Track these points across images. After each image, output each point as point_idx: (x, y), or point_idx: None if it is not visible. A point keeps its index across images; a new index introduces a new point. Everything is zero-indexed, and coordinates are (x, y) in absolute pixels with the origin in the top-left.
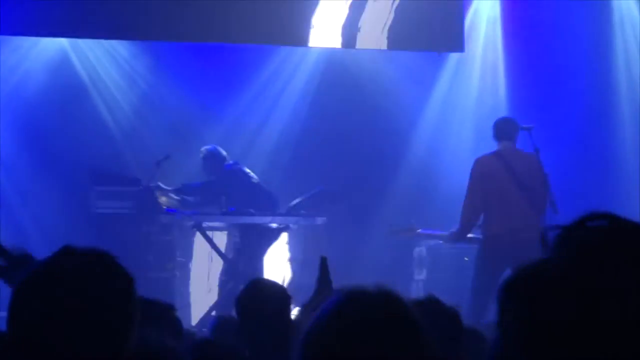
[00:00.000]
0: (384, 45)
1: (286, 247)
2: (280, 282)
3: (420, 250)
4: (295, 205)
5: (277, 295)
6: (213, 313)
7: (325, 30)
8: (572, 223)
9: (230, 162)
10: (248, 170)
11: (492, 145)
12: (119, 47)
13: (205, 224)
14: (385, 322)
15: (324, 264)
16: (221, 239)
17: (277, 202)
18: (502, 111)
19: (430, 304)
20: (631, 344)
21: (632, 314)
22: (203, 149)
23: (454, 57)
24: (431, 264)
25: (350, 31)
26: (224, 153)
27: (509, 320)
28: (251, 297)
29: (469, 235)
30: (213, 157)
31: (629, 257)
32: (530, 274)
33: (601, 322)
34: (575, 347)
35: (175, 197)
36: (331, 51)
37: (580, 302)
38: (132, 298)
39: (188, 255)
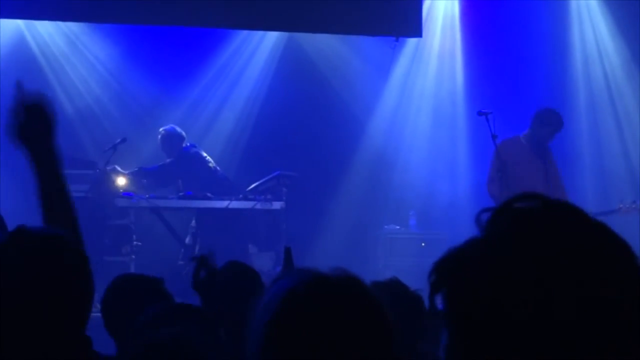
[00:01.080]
0: (341, 29)
1: (244, 231)
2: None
3: (377, 235)
4: (252, 189)
5: (250, 278)
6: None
7: (282, 14)
8: (500, 205)
9: (188, 144)
10: (205, 154)
11: (446, 130)
12: (76, 29)
13: (162, 208)
14: (346, 304)
15: (288, 255)
16: (178, 222)
17: (233, 186)
18: (460, 97)
19: (393, 286)
20: (544, 323)
21: (544, 293)
22: (161, 129)
23: (411, 42)
24: (389, 249)
25: (306, 14)
26: (183, 133)
27: (442, 301)
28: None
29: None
30: (171, 138)
31: (545, 237)
32: (455, 255)
33: (516, 303)
34: (493, 330)
35: (132, 180)
36: (289, 35)
37: (495, 283)
38: (86, 275)
39: (145, 239)
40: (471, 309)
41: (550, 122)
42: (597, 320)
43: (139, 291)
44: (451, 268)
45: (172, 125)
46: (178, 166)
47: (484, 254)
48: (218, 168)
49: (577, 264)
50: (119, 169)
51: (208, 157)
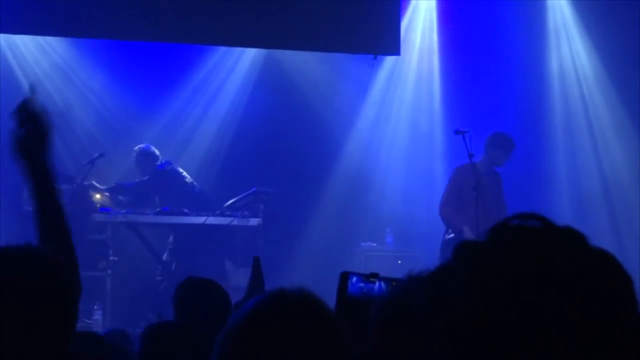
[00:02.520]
0: (320, 47)
1: (220, 247)
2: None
3: (354, 252)
4: (229, 205)
5: (220, 296)
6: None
7: (259, 31)
8: (499, 222)
9: (164, 161)
10: (181, 170)
11: (424, 148)
12: (55, 44)
13: (139, 223)
14: (303, 326)
15: (256, 264)
16: (155, 238)
17: (210, 202)
18: (437, 115)
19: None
20: (538, 343)
21: (539, 311)
22: (136, 147)
23: (390, 60)
24: (365, 266)
25: (285, 32)
26: (157, 152)
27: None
28: (195, 296)
29: None
30: (146, 156)
31: (545, 256)
32: (455, 270)
33: (512, 319)
34: (483, 345)
35: (109, 196)
36: (267, 52)
37: (491, 298)
38: (61, 291)
39: (121, 254)
40: (458, 331)
41: (503, 144)
42: (593, 346)
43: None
44: (446, 282)
45: (147, 144)
46: (154, 183)
47: (479, 271)
48: (195, 184)
49: (574, 286)
50: (96, 184)
51: (184, 173)
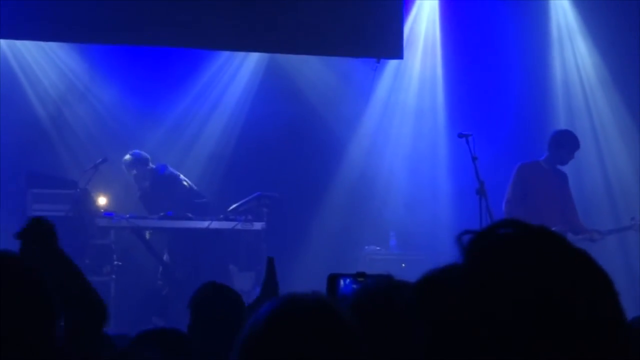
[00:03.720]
0: (323, 51)
1: (224, 251)
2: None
3: (358, 256)
4: (233, 209)
5: (235, 301)
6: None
7: (262, 35)
8: (483, 229)
9: (160, 165)
10: (178, 173)
11: (427, 151)
12: (58, 50)
13: (142, 228)
14: (319, 331)
15: (270, 265)
16: (159, 242)
17: (209, 205)
18: (440, 119)
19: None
20: (517, 350)
21: (520, 320)
22: (127, 157)
23: (393, 64)
24: (369, 270)
25: (288, 36)
26: (148, 156)
27: (419, 323)
28: (210, 300)
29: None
30: (141, 163)
31: (528, 264)
32: (434, 278)
33: (499, 328)
34: (472, 351)
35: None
36: (271, 56)
37: (473, 308)
38: (42, 296)
39: (125, 259)
40: (447, 331)
41: (568, 143)
42: (574, 351)
43: None
44: (430, 291)
45: (134, 151)
46: (155, 189)
47: (462, 278)
48: (193, 186)
49: (555, 293)
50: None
51: (182, 176)
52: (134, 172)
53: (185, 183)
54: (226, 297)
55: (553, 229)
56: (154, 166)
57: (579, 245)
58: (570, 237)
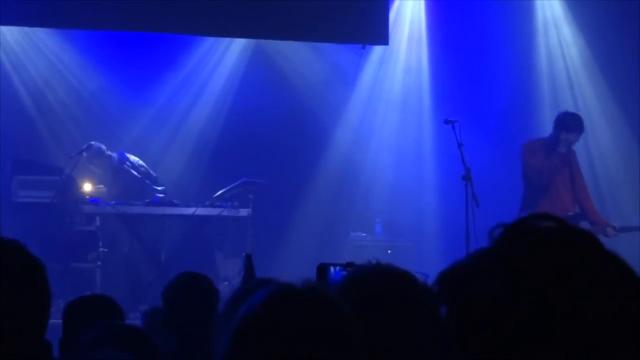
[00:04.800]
0: (308, 37)
1: (210, 238)
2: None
3: (344, 242)
4: (219, 196)
5: (205, 288)
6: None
7: (248, 21)
8: (514, 221)
9: (119, 152)
10: (137, 159)
11: (413, 137)
12: (43, 36)
13: (128, 214)
14: (314, 317)
15: (248, 261)
16: (144, 229)
17: (165, 194)
18: (426, 105)
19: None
20: (545, 342)
21: (549, 313)
22: (86, 148)
23: (378, 49)
24: (355, 256)
25: (273, 22)
26: (102, 146)
27: (446, 311)
28: (179, 289)
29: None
30: (96, 155)
31: (558, 259)
32: (464, 268)
33: (521, 319)
34: (496, 345)
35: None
36: (256, 43)
37: (502, 299)
38: (38, 285)
39: (111, 245)
40: (475, 321)
41: (572, 126)
42: (599, 347)
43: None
44: (459, 280)
45: (89, 143)
46: (114, 177)
47: (493, 269)
48: (153, 173)
49: (584, 289)
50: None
51: (140, 161)
52: (93, 164)
53: (142, 169)
54: (199, 287)
55: (568, 214)
56: (112, 154)
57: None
58: (585, 226)
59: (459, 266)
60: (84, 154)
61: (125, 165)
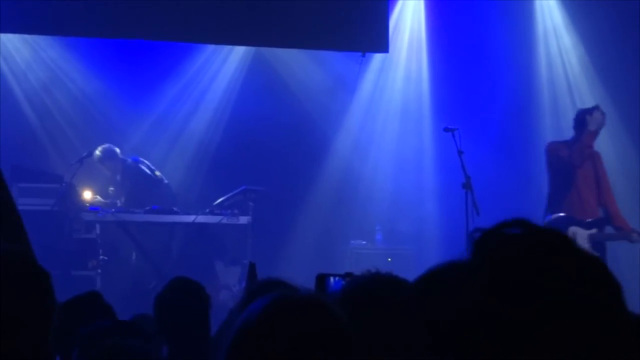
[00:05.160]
0: (308, 44)
1: (210, 245)
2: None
3: (344, 250)
4: (219, 204)
5: (196, 294)
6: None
7: (248, 29)
8: (490, 228)
9: (132, 157)
10: (148, 165)
11: (413, 145)
12: (44, 44)
13: (128, 222)
14: (312, 327)
15: (252, 270)
16: (144, 236)
17: (176, 197)
18: (426, 113)
19: None
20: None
21: (520, 322)
22: (97, 152)
23: (378, 57)
24: (355, 264)
25: (273, 29)
26: (117, 149)
27: (420, 318)
28: (170, 295)
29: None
30: (110, 157)
31: (534, 266)
32: (437, 274)
33: (505, 325)
34: (466, 352)
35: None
36: (256, 50)
37: (471, 306)
38: (47, 294)
39: (111, 253)
40: (447, 327)
41: (592, 109)
42: (583, 349)
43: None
44: (431, 289)
45: (107, 144)
46: (126, 182)
47: (463, 276)
48: (164, 179)
49: (556, 293)
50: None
51: (151, 166)
52: (105, 165)
53: (157, 173)
54: (190, 293)
55: (588, 218)
56: (126, 159)
57: (617, 246)
58: (609, 230)
59: (434, 273)
60: (96, 154)
61: (140, 168)
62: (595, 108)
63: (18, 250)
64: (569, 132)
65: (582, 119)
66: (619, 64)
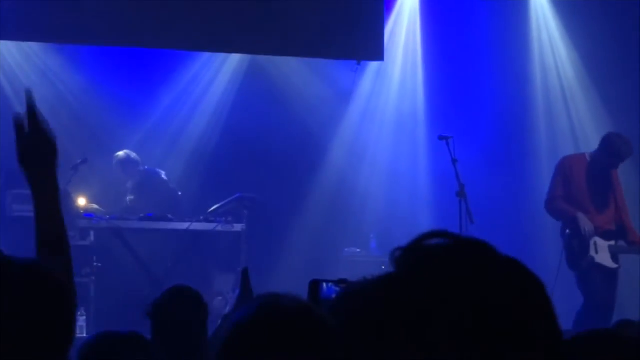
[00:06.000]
0: (304, 52)
1: (204, 253)
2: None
3: (338, 258)
4: (213, 211)
5: (193, 302)
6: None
7: (243, 37)
8: (409, 243)
9: (146, 167)
10: (164, 175)
11: (408, 153)
12: (38, 51)
13: (123, 229)
14: (299, 335)
15: (245, 276)
16: (139, 244)
17: (187, 208)
18: (421, 121)
19: None
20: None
21: (453, 329)
22: (117, 155)
23: (373, 65)
24: (350, 272)
25: (269, 37)
26: (138, 158)
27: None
28: (167, 302)
29: None
30: (129, 163)
31: (457, 275)
32: (360, 292)
33: (426, 342)
34: None
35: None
36: (252, 58)
37: (399, 320)
38: (64, 308)
39: (105, 260)
40: (373, 345)
41: (619, 153)
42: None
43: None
44: (354, 305)
45: (126, 150)
46: (140, 187)
47: (388, 292)
48: (177, 191)
49: (484, 303)
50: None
51: (165, 178)
52: (125, 171)
53: (170, 185)
54: (187, 301)
55: (605, 229)
56: (144, 168)
57: (631, 261)
58: (621, 245)
59: (356, 290)
60: (119, 156)
61: (159, 178)
62: (626, 155)
63: (34, 263)
64: (563, 140)
65: (617, 149)
66: (614, 72)
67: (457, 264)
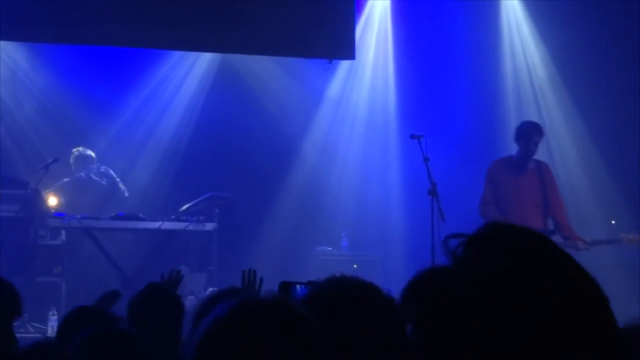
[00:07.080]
0: (275, 51)
1: (176, 252)
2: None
3: (309, 256)
4: (185, 210)
5: (170, 300)
6: None
7: (215, 36)
8: (474, 232)
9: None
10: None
11: (379, 152)
12: (8, 48)
13: (94, 228)
14: (279, 331)
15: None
16: (110, 243)
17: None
18: (392, 120)
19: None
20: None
21: (527, 316)
22: (75, 150)
23: (345, 64)
24: (321, 270)
25: (240, 36)
26: (93, 155)
27: (413, 323)
28: (144, 301)
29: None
30: (84, 159)
31: (523, 263)
32: (434, 279)
33: (508, 326)
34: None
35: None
36: (223, 57)
37: (481, 305)
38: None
39: (76, 259)
40: (442, 333)
41: (527, 132)
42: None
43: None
44: (418, 293)
45: (83, 147)
46: (87, 182)
47: (455, 280)
48: (125, 193)
49: (543, 294)
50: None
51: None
52: (77, 167)
53: (121, 186)
54: (164, 299)
55: (538, 229)
56: (100, 167)
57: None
58: (556, 240)
59: (419, 279)
60: (75, 153)
61: (96, 175)
62: (534, 136)
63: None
64: None
65: (519, 138)
66: (584, 71)
67: (513, 255)
